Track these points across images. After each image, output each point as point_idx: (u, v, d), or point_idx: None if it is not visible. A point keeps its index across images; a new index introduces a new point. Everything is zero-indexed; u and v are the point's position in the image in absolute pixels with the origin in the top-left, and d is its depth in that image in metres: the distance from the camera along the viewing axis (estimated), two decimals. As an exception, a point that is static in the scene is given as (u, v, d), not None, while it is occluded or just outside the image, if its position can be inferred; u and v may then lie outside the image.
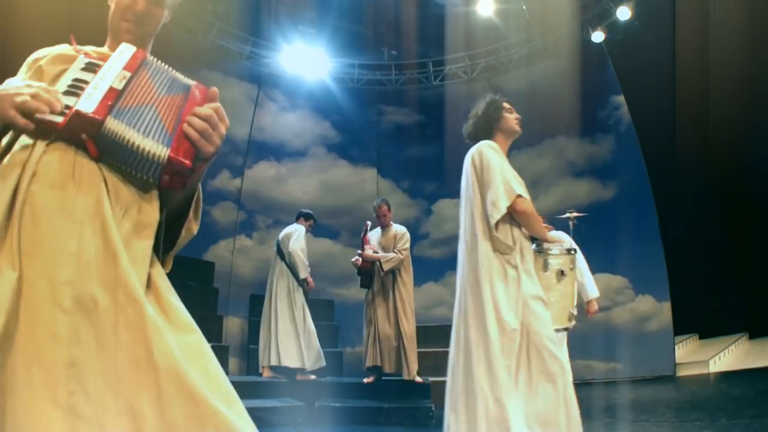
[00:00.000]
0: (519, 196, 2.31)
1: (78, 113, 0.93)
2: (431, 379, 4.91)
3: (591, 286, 4.03)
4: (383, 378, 4.94)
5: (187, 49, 7.12)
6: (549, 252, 2.57)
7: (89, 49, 1.15)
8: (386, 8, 7.72)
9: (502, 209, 2.28)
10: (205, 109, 1.03)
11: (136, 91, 1.01)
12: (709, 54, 6.50)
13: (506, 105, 2.58)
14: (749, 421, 3.31)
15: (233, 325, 6.81)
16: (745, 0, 6.07)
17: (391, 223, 5.08)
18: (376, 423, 4.37)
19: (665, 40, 6.92)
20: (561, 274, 2.56)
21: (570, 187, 7.64)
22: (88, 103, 0.94)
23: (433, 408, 4.39)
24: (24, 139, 0.97)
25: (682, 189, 7.43)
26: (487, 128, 2.55)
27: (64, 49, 1.11)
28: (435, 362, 5.24)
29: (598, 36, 7.15)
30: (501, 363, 2.18)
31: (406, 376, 4.73)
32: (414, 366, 4.75)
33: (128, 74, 1.01)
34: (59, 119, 0.93)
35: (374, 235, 5.08)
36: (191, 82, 1.12)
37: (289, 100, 8.18)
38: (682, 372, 6.31)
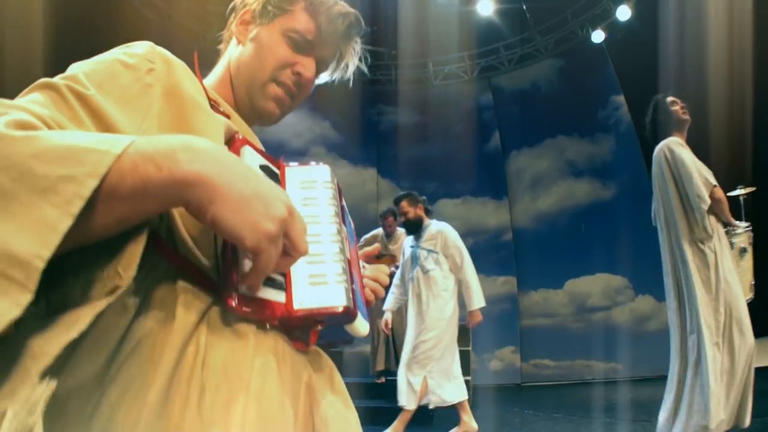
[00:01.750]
0: (715, 186, 2.57)
1: (346, 310, 0.59)
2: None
3: (477, 294, 3.68)
4: (388, 378, 4.97)
5: (187, 49, 7.07)
6: (733, 232, 2.75)
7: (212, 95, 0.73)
8: (386, 8, 7.73)
9: (707, 200, 2.52)
10: (387, 279, 0.79)
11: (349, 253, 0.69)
12: (709, 53, 6.50)
13: (668, 100, 2.82)
14: (749, 421, 3.31)
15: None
16: (745, 0, 6.07)
17: (397, 228, 5.09)
18: (376, 423, 4.36)
19: (665, 40, 6.92)
20: (743, 251, 2.77)
21: (570, 187, 7.65)
22: (344, 294, 0.60)
23: (433, 408, 4.39)
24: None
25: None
26: (664, 128, 2.79)
27: (185, 70, 0.67)
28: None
29: (598, 36, 7.15)
30: (711, 342, 2.44)
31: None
32: None
33: (339, 227, 0.66)
34: (281, 298, 0.58)
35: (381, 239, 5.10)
36: (349, 222, 0.80)
37: (289, 100, 8.18)
38: (682, 372, 6.31)
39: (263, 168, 0.63)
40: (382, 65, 8.42)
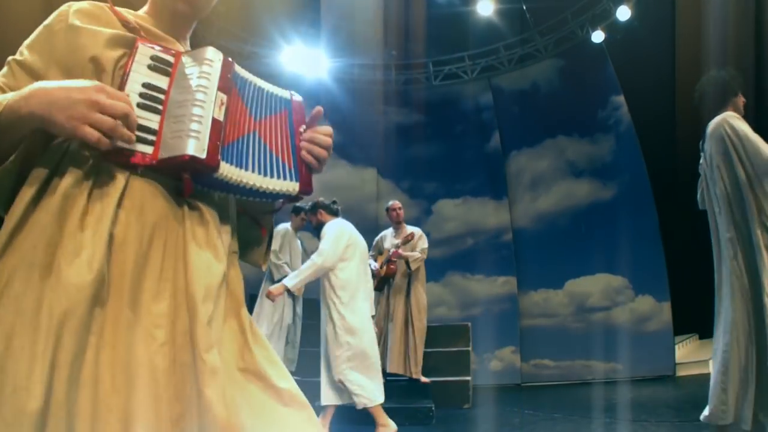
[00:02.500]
0: None
1: (193, 158, 0.78)
2: (430, 379, 4.91)
3: (292, 275, 3.70)
4: (387, 378, 4.94)
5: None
6: None
7: (133, 17, 0.93)
8: (386, 8, 7.72)
9: None
10: (325, 137, 0.97)
11: (235, 118, 0.87)
12: (710, 54, 6.50)
13: (724, 74, 2.68)
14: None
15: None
16: (745, 0, 6.07)
17: (404, 223, 5.09)
18: (376, 423, 4.35)
19: (665, 40, 6.93)
20: None
21: (570, 187, 7.64)
22: (196, 145, 0.78)
23: (433, 408, 4.39)
24: (80, 156, 0.79)
25: (682, 189, 7.42)
26: (717, 103, 2.62)
27: (89, 14, 0.89)
28: (435, 362, 5.24)
29: (598, 36, 7.15)
30: None
31: (414, 375, 4.73)
32: (420, 365, 4.77)
33: (224, 97, 0.85)
34: (148, 149, 0.80)
35: (388, 237, 5.09)
36: (286, 94, 0.99)
37: (289, 100, 8.18)
38: (682, 372, 6.31)
39: (153, 58, 0.85)
40: (382, 65, 8.42)
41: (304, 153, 0.94)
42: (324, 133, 0.98)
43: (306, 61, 7.87)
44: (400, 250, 4.80)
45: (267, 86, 0.97)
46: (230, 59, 0.89)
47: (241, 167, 0.84)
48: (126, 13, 0.92)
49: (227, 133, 0.84)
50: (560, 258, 7.45)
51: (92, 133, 0.73)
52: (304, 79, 8.05)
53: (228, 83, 0.86)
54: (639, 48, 7.11)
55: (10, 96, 0.76)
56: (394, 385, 4.90)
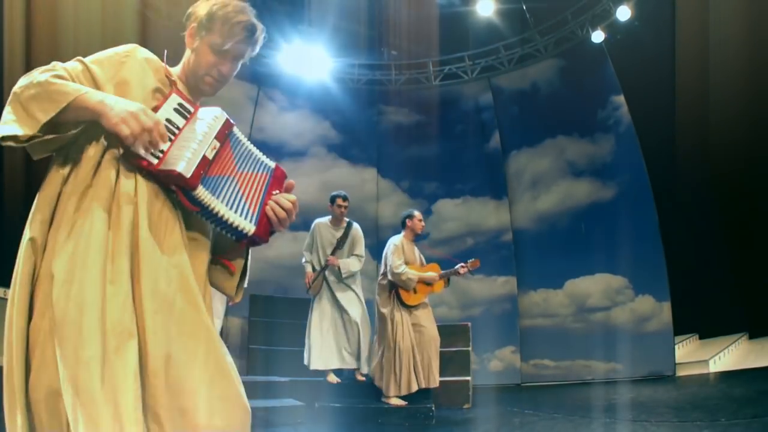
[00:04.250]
0: None
1: (180, 175, 1.08)
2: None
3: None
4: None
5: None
6: None
7: (174, 73, 1.32)
8: (386, 8, 7.72)
9: None
10: (288, 202, 1.27)
11: (222, 162, 1.18)
12: (709, 54, 6.50)
13: None
14: (749, 421, 3.31)
15: (234, 326, 6.81)
16: (746, 0, 6.07)
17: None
18: (376, 423, 4.36)
19: (665, 40, 6.92)
20: None
21: (570, 187, 7.64)
22: (185, 167, 1.09)
23: (433, 408, 4.39)
24: (110, 158, 1.14)
25: (682, 189, 7.43)
26: None
27: (148, 61, 1.26)
28: (435, 362, 5.23)
29: (598, 36, 7.15)
30: None
31: (433, 385, 4.47)
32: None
33: (218, 144, 1.17)
34: (154, 161, 1.11)
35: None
36: (272, 164, 1.32)
37: (289, 100, 8.18)
38: (682, 372, 6.31)
39: (179, 105, 1.19)
40: (382, 65, 8.42)
41: (268, 208, 1.23)
42: (289, 198, 1.28)
43: (306, 61, 7.87)
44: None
45: (256, 152, 1.29)
46: (232, 122, 1.24)
47: (213, 195, 1.13)
48: (170, 69, 1.32)
49: (211, 169, 1.14)
50: (560, 258, 7.45)
51: (124, 130, 1.06)
52: (304, 79, 8.05)
53: (223, 136, 1.19)
54: (639, 48, 7.10)
55: (85, 89, 1.10)
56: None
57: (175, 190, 1.11)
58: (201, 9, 1.32)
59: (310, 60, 7.87)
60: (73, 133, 1.11)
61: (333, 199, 4.84)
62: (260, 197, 1.21)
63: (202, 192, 1.11)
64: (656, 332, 6.64)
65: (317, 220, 4.98)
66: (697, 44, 6.54)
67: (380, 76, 8.42)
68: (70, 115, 1.08)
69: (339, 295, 4.77)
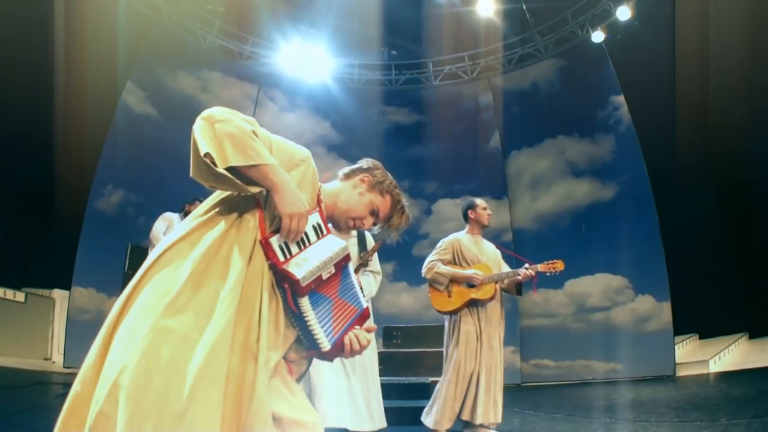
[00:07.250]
0: None
1: (297, 281, 1.22)
2: (431, 379, 4.90)
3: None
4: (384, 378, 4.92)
5: (187, 49, 7.11)
6: None
7: (323, 197, 1.50)
8: (386, 8, 7.72)
9: None
10: (366, 341, 1.40)
11: (330, 285, 1.35)
12: (709, 54, 6.50)
13: None
14: (749, 421, 3.31)
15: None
16: (745, 0, 6.07)
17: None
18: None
19: (665, 40, 6.92)
20: None
21: (570, 187, 7.64)
22: (304, 276, 1.22)
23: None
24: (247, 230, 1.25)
25: (682, 189, 7.43)
26: None
27: (314, 174, 1.43)
28: (435, 362, 5.24)
29: (598, 36, 7.15)
30: None
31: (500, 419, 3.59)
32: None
33: (333, 271, 1.35)
34: (282, 258, 1.25)
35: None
36: (364, 303, 1.48)
37: (289, 100, 8.18)
38: (682, 372, 6.31)
39: (317, 224, 1.39)
40: (382, 65, 8.42)
41: (347, 337, 1.37)
42: (367, 338, 1.41)
43: (306, 61, 7.87)
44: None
45: (357, 289, 1.47)
46: (349, 255, 1.42)
47: (312, 307, 1.27)
48: (321, 193, 1.50)
49: (320, 287, 1.30)
50: (560, 258, 7.43)
51: (289, 223, 1.23)
52: (304, 79, 8.06)
53: (340, 267, 1.38)
54: (639, 48, 7.11)
55: (274, 161, 1.22)
56: (393, 386, 4.91)
57: (286, 288, 1.25)
58: (380, 173, 1.57)
59: (310, 60, 7.88)
60: (256, 190, 1.22)
61: None
62: (345, 325, 1.37)
63: (305, 301, 1.25)
64: (656, 332, 6.64)
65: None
66: (696, 44, 6.54)
67: (380, 76, 8.42)
68: (250, 174, 1.19)
69: None
